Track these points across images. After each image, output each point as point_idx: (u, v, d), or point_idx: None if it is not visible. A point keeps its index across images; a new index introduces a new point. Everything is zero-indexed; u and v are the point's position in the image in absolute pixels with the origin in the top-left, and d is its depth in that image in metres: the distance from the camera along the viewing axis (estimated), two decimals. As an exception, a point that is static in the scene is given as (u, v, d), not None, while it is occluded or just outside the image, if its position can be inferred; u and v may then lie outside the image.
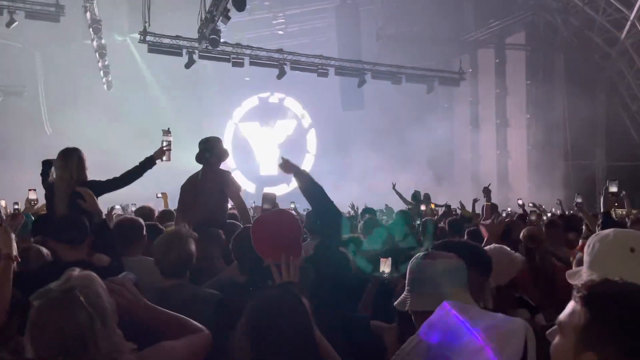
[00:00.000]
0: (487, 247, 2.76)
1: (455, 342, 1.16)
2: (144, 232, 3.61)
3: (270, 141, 25.34)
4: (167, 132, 4.48)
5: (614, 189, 3.88)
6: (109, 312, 1.65)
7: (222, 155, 4.72)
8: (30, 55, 21.48)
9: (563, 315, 1.15)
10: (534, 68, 19.56)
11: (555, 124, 19.07)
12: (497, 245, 2.88)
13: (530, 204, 8.89)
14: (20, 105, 21.55)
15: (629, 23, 16.00)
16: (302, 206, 10.03)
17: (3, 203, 7.32)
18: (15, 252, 2.36)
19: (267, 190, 4.35)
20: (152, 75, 22.69)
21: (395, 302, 1.75)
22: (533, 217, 5.95)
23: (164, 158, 4.44)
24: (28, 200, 5.70)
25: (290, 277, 2.15)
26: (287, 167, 2.88)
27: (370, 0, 21.49)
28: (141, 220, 3.77)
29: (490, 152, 20.76)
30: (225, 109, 25.17)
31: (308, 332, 1.61)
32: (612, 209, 3.89)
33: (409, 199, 9.42)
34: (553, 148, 18.98)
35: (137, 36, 14.73)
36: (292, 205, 8.68)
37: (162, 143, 4.47)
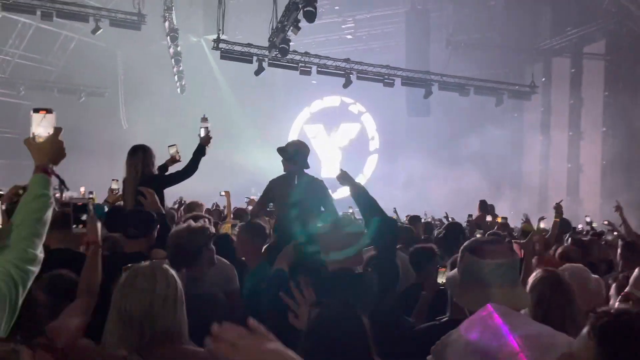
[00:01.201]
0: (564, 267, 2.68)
1: (492, 343, 1.17)
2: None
3: (334, 144, 25.51)
4: (204, 119, 4.60)
5: None
6: (182, 296, 1.99)
7: (307, 164, 4.55)
8: (113, 54, 22.80)
9: (577, 341, 1.13)
10: (613, 79, 18.55)
11: (634, 139, 17.98)
12: (575, 265, 2.79)
13: (605, 222, 8.46)
14: (100, 102, 22.93)
15: None
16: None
17: (82, 190, 7.86)
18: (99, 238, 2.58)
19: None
20: (223, 75, 23.52)
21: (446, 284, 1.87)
22: (609, 237, 5.65)
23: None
24: (111, 190, 6.10)
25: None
26: (344, 178, 3.02)
27: (441, 6, 21.18)
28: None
29: (561, 166, 19.87)
30: (292, 111, 25.62)
31: (365, 353, 1.67)
32: None
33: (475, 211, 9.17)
34: (631, 164, 17.91)
35: (211, 37, 15.40)
36: (350, 210, 8.71)
37: (201, 131, 4.57)
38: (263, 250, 3.63)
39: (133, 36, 18.27)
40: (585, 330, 1.11)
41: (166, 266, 2.01)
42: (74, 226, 2.60)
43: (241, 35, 20.95)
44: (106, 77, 22.90)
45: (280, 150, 4.50)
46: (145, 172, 4.27)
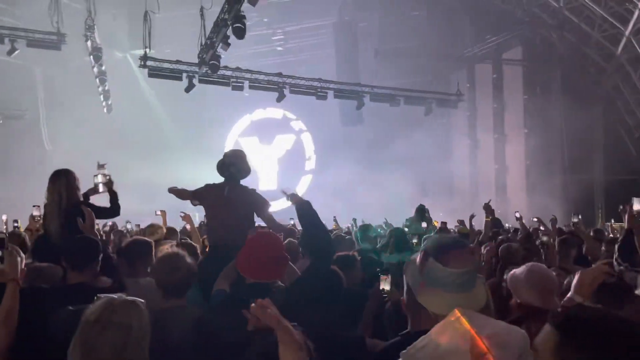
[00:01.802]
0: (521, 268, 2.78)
1: (462, 346, 1.25)
2: (152, 252, 3.63)
3: (270, 156, 25.44)
4: (101, 166, 4.34)
5: (638, 206, 3.87)
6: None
7: (248, 172, 4.47)
8: (31, 72, 21.62)
9: (539, 337, 1.24)
10: (531, 83, 19.74)
11: (553, 139, 19.18)
12: (535, 264, 2.88)
13: (535, 219, 8.92)
14: (20, 124, 21.66)
15: (624, 39, 16.17)
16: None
17: (4, 218, 7.34)
18: (18, 274, 2.41)
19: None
20: (152, 90, 22.87)
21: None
22: (545, 238, 5.89)
23: (101, 190, 4.27)
24: (32, 216, 5.73)
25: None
26: (294, 199, 3.07)
27: (367, 16, 21.73)
28: (149, 241, 3.81)
29: (489, 167, 20.83)
30: (225, 124, 25.33)
31: None
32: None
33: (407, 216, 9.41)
34: (551, 163, 19.06)
35: (137, 53, 14.93)
36: (292, 222, 8.69)
37: (97, 178, 4.26)
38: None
39: (53, 52, 17.47)
40: (547, 325, 1.23)
41: (139, 301, 1.84)
42: None
43: (169, 50, 20.49)
44: (25, 97, 21.67)
45: (219, 163, 4.45)
46: (71, 197, 4.03)
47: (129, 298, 1.83)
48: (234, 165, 4.36)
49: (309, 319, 2.43)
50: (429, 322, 1.91)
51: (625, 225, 3.81)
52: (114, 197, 4.26)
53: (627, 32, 15.83)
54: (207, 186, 4.51)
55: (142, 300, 1.85)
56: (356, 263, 3.76)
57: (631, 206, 3.87)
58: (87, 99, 19.48)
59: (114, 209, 4.23)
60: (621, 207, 4.27)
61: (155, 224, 5.79)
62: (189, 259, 2.75)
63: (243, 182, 4.48)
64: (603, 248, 4.79)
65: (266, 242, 2.73)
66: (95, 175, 4.26)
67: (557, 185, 18.32)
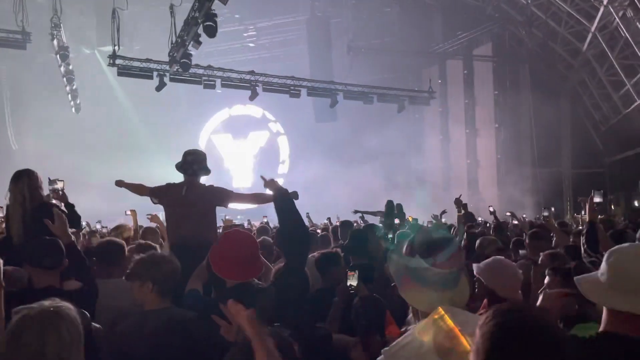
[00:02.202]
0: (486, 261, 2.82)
1: (446, 344, 1.28)
2: (125, 254, 3.56)
3: (244, 153, 25.28)
4: (53, 182, 4.23)
5: (598, 199, 3.97)
6: (81, 339, 1.70)
7: (208, 171, 4.46)
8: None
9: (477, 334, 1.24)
10: (500, 79, 20.08)
11: (522, 133, 19.57)
12: (496, 258, 2.91)
13: (508, 213, 9.10)
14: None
15: (590, 35, 16.57)
16: (275, 220, 9.98)
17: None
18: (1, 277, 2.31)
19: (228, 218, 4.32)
20: (121, 88, 22.41)
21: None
22: (526, 230, 5.93)
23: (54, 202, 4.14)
24: None
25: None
26: (271, 185, 3.00)
27: (340, 13, 21.75)
28: (122, 242, 3.73)
29: (461, 162, 21.12)
30: (198, 122, 25.05)
31: None
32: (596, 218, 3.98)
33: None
34: (521, 156, 19.45)
35: (105, 49, 14.55)
36: (265, 220, 8.66)
37: (50, 193, 4.12)
38: None
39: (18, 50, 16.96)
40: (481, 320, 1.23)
41: (63, 309, 1.70)
42: None
43: (138, 46, 20.12)
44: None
45: (179, 162, 4.42)
46: (35, 198, 3.91)
47: (50, 308, 1.69)
48: (196, 163, 4.33)
49: (289, 318, 2.44)
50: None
51: (586, 217, 3.90)
52: (70, 209, 4.13)
53: (592, 28, 16.23)
54: (168, 185, 4.45)
55: (69, 307, 1.72)
56: (340, 260, 3.77)
57: (591, 198, 3.97)
58: (54, 98, 18.98)
59: (73, 220, 4.10)
60: (579, 198, 4.39)
61: (122, 225, 5.66)
62: (174, 263, 2.69)
63: (209, 179, 4.47)
64: (571, 239, 4.92)
65: (238, 240, 2.70)
66: (49, 193, 4.14)
67: (527, 178, 18.72)
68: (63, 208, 4.01)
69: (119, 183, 4.67)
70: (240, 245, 2.66)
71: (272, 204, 2.96)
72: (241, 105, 24.38)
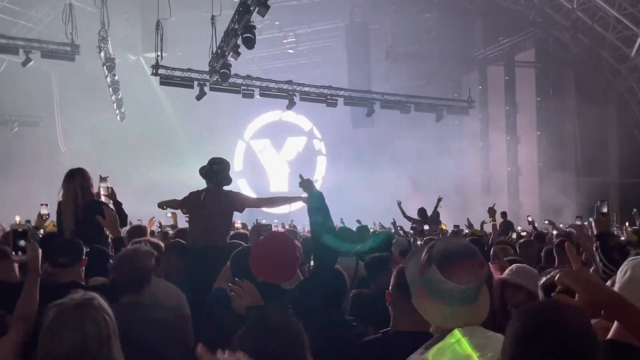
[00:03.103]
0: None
1: None
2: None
3: (281, 158, 25.50)
4: (103, 179, 4.39)
5: (604, 209, 3.86)
6: (115, 329, 1.76)
7: (230, 180, 4.66)
8: (46, 75, 21.83)
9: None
10: (543, 85, 19.57)
11: (566, 141, 19.00)
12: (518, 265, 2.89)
13: (546, 221, 8.86)
14: (36, 130, 21.93)
15: (639, 40, 15.99)
16: (302, 225, 10.09)
17: (18, 218, 7.46)
18: (39, 267, 2.46)
19: (264, 223, 4.44)
20: (164, 93, 22.97)
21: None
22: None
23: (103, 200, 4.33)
24: (40, 215, 5.79)
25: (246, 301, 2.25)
26: (306, 185, 3.01)
27: (379, 19, 21.70)
28: (157, 242, 3.82)
29: (501, 169, 20.68)
30: (237, 127, 25.42)
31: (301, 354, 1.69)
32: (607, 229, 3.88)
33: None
34: (564, 165, 18.87)
35: (150, 55, 14.99)
36: (292, 223, 8.72)
37: (100, 189, 4.30)
38: None
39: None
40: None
41: (96, 299, 1.76)
42: (13, 253, 2.53)
43: (181, 52, 20.64)
44: (40, 99, 21.89)
45: (203, 168, 4.64)
46: (86, 195, 4.09)
47: (84, 301, 1.74)
48: (220, 172, 4.53)
49: (319, 315, 2.47)
50: (415, 324, 1.87)
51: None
52: (118, 207, 4.30)
53: (641, 33, 15.66)
54: (190, 193, 4.71)
55: (96, 299, 1.76)
56: (390, 265, 3.76)
57: (598, 209, 3.87)
58: (101, 103, 19.64)
59: (120, 217, 4.26)
60: (635, 210, 4.24)
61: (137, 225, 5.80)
62: (143, 259, 2.75)
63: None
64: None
65: (279, 242, 2.74)
66: (98, 189, 4.31)
67: (571, 187, 18.14)
68: (111, 206, 4.18)
69: (160, 205, 4.99)
70: (280, 247, 2.69)
71: (298, 208, 2.99)
72: (279, 111, 24.59)
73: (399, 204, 10.15)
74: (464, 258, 1.56)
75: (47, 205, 5.64)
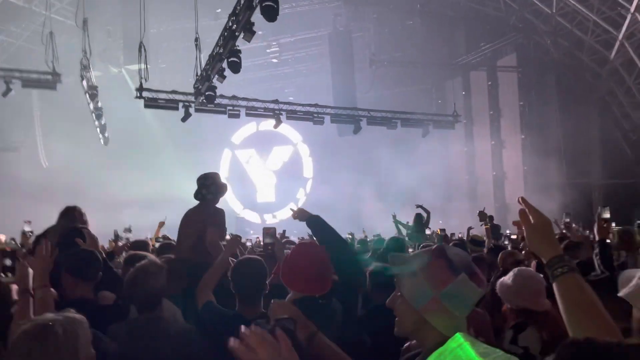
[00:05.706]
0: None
1: None
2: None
3: (267, 168, 25.42)
4: (127, 230, 4.44)
5: (606, 215, 3.87)
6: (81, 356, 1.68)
7: (220, 190, 4.57)
8: (28, 96, 21.46)
9: None
10: (526, 89, 19.80)
11: (550, 144, 19.19)
12: (521, 268, 2.91)
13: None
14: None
15: (617, 43, 16.25)
16: (299, 234, 10.00)
17: (2, 237, 7.27)
18: (31, 286, 2.36)
19: (267, 225, 4.39)
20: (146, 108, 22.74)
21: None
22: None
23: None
24: (23, 232, 5.65)
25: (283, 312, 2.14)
26: (301, 214, 2.87)
27: (362, 26, 21.83)
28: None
29: (487, 173, 20.81)
30: (222, 137, 25.29)
31: None
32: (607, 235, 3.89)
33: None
34: (549, 168, 19.04)
35: (132, 68, 14.80)
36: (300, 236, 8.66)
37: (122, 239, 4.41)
38: None
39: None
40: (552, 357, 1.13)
41: (63, 327, 1.66)
42: (1, 274, 2.42)
43: (164, 64, 20.50)
44: (20, 121, 21.57)
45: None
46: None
47: (37, 330, 1.64)
48: (204, 188, 4.50)
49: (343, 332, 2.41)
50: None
51: (596, 235, 3.78)
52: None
53: (620, 37, 15.91)
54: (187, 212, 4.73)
55: (71, 324, 1.69)
56: None
57: (599, 215, 3.89)
58: (83, 124, 19.20)
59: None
60: (600, 208, 4.31)
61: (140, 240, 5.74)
62: (154, 277, 2.68)
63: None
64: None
65: (309, 253, 2.64)
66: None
67: (556, 189, 18.30)
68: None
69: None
70: (311, 257, 2.59)
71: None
72: (265, 121, 24.53)
73: (394, 217, 10.17)
74: (476, 265, 1.61)
75: (29, 222, 5.52)
